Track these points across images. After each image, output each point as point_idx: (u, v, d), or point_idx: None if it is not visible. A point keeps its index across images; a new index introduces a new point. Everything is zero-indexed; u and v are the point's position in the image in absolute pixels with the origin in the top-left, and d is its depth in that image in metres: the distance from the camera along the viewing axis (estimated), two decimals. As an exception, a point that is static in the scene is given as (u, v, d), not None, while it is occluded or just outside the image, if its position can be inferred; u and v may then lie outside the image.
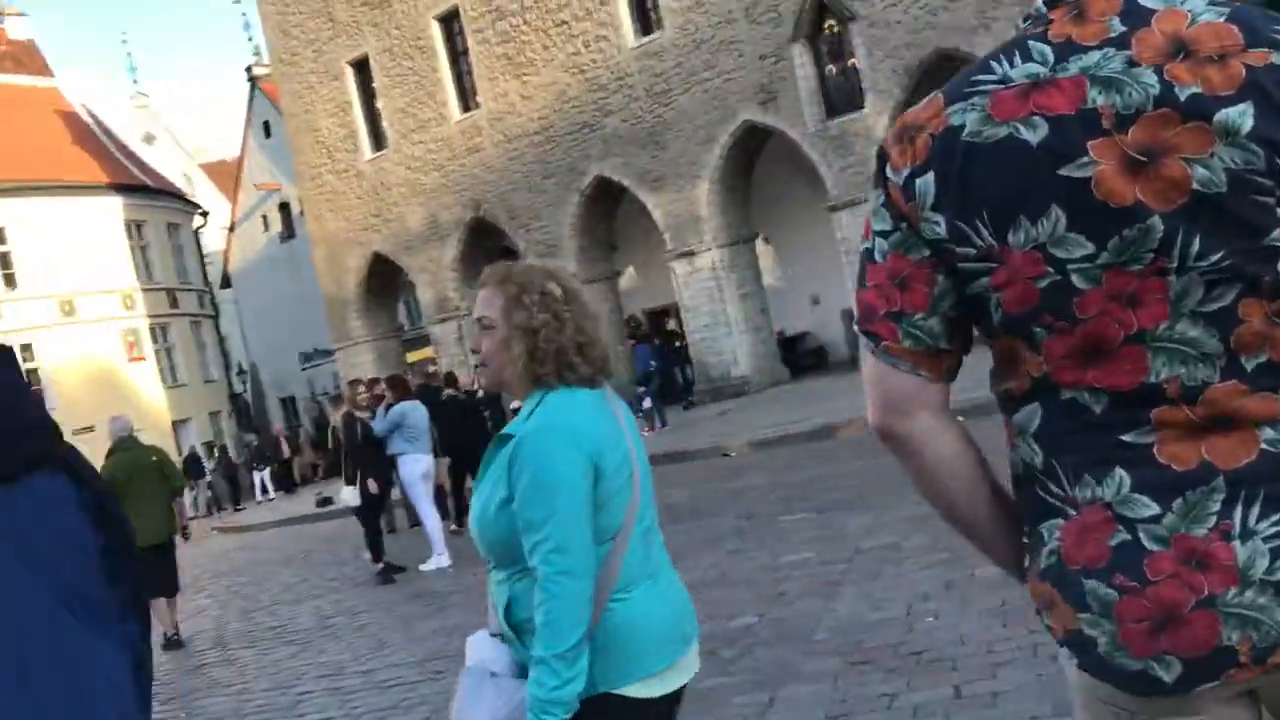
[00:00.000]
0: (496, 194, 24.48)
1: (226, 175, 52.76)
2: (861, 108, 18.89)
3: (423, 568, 9.95)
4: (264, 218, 46.36)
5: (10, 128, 34.69)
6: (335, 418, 10.60)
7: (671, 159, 21.40)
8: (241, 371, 42.20)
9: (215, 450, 36.63)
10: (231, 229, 46.91)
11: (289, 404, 43.79)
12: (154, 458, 9.43)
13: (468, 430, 10.91)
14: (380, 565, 9.92)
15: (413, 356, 31.60)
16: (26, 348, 32.86)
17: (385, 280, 28.43)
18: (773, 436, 13.85)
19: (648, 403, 18.32)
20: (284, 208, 45.10)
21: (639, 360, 18.95)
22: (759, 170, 21.98)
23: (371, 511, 9.97)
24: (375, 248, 27.27)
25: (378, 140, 26.92)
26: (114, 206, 35.78)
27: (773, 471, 11.30)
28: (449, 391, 11.64)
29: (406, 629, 7.47)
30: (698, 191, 21.16)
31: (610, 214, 24.02)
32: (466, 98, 24.96)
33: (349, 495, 9.66)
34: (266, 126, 44.29)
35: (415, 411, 9.99)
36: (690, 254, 21.53)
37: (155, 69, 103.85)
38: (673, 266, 21.98)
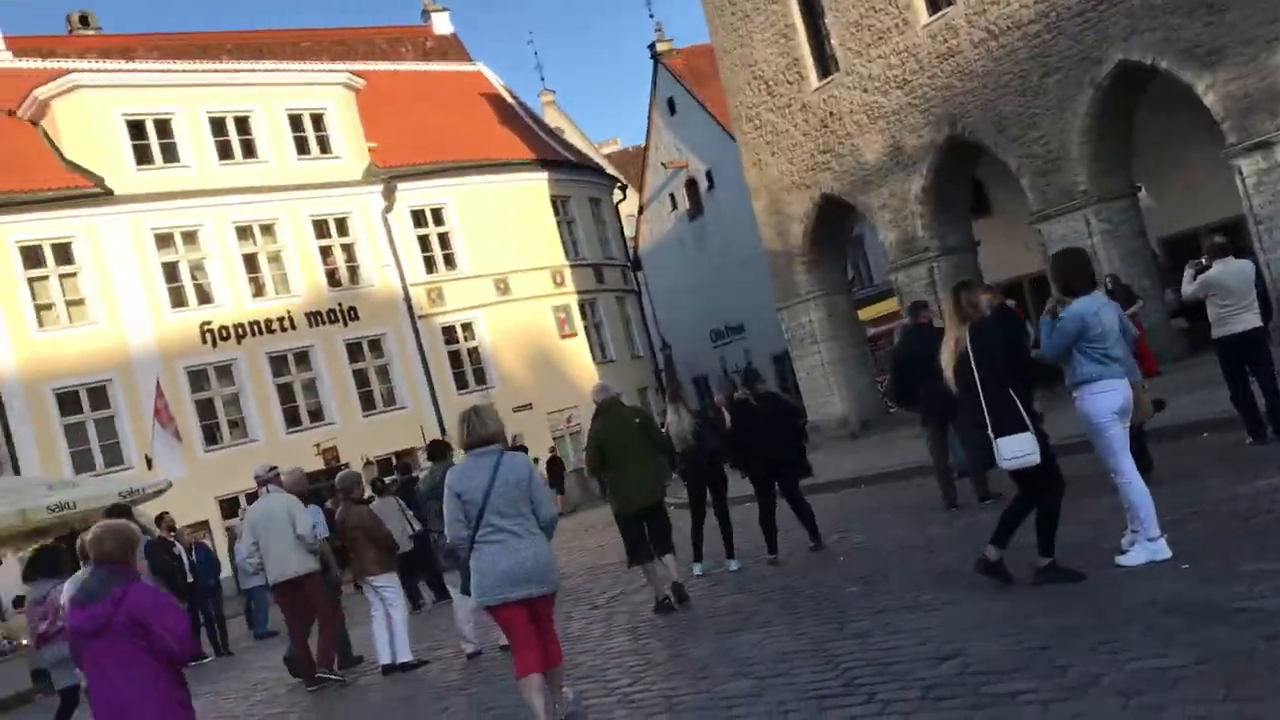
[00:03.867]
0: (978, 105, 20.31)
1: (629, 164, 52.26)
2: None
3: (1123, 560, 6.23)
4: (671, 196, 45.71)
5: (443, 112, 34.99)
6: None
7: (1234, 22, 16.26)
8: (666, 346, 40.75)
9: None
10: (640, 211, 46.21)
11: (701, 384, 42.16)
12: (637, 419, 9.44)
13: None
14: (1047, 561, 6.29)
15: (865, 314, 28.18)
16: (467, 327, 32.81)
17: (833, 228, 25.07)
18: None
19: None
20: (691, 185, 43.97)
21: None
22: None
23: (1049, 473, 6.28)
24: (824, 189, 23.93)
25: (824, 65, 23.55)
26: (540, 182, 35.18)
27: None
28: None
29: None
30: (1278, 59, 15.91)
31: (1130, 112, 19.15)
32: (935, -5, 21.01)
33: (1019, 447, 6.05)
34: (671, 103, 43.36)
35: (1106, 310, 6.27)
36: (1266, 145, 16.30)
37: (555, 61, 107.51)
38: (1237, 165, 16.81)
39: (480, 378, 32.71)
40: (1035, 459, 6.07)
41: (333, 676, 9.57)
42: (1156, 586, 5.65)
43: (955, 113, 20.77)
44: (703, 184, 42.96)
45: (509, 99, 39.03)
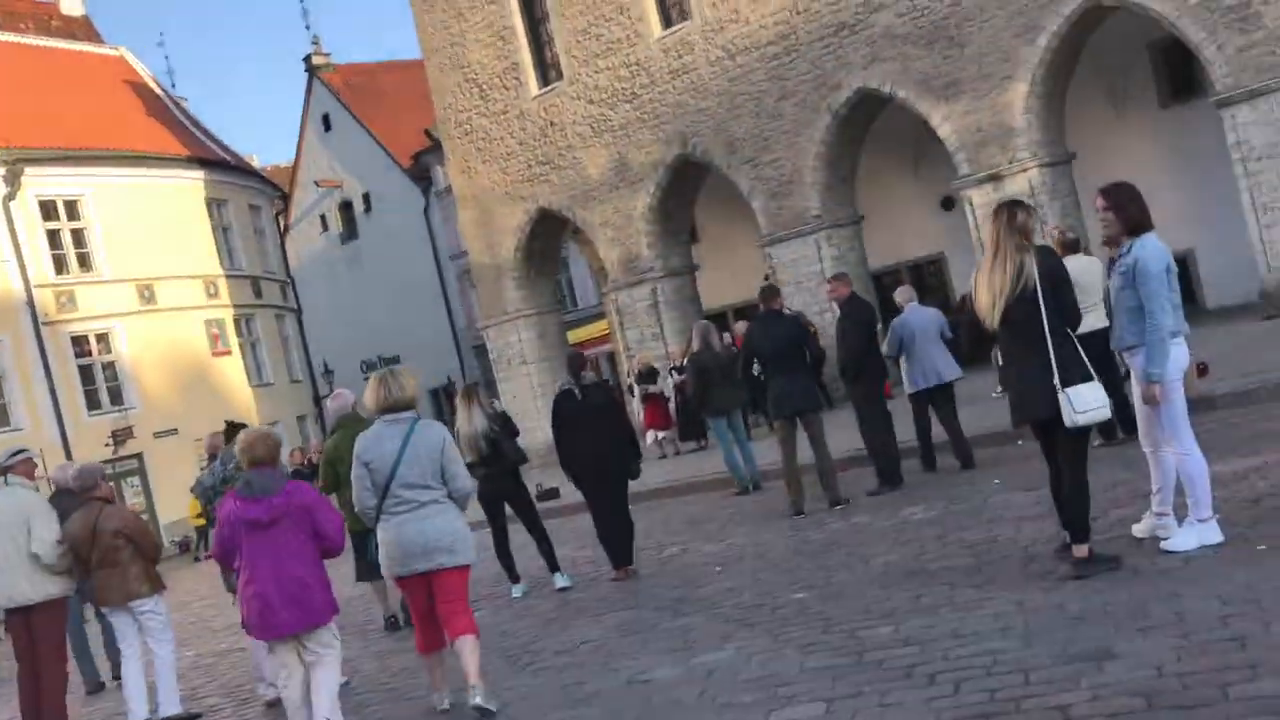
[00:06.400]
0: (711, 125, 20.03)
1: (275, 180, 48.88)
2: (1272, -35, 14.50)
3: (1170, 545, 5.42)
4: (322, 218, 43.59)
5: (82, 97, 30.40)
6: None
7: (973, 57, 16.94)
8: (329, 371, 37.71)
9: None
10: (286, 230, 43.22)
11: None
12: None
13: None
14: (1085, 551, 5.36)
15: (576, 336, 27.18)
16: (103, 338, 28.46)
17: (548, 244, 23.95)
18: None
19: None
20: (346, 207, 42.12)
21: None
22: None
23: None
24: (541, 202, 22.79)
25: (546, 72, 22.51)
26: (196, 182, 31.43)
27: None
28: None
29: None
30: (1010, 97, 16.68)
31: (859, 141, 19.58)
32: (668, 10, 20.57)
33: (1092, 398, 5.14)
34: (326, 119, 41.48)
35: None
36: (995, 178, 17.04)
37: (190, 65, 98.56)
38: (968, 196, 17.49)
39: (117, 396, 28.45)
40: (1107, 413, 5.27)
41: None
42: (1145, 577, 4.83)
43: (687, 131, 20.38)
44: (359, 206, 41.31)
45: (158, 90, 34.76)
